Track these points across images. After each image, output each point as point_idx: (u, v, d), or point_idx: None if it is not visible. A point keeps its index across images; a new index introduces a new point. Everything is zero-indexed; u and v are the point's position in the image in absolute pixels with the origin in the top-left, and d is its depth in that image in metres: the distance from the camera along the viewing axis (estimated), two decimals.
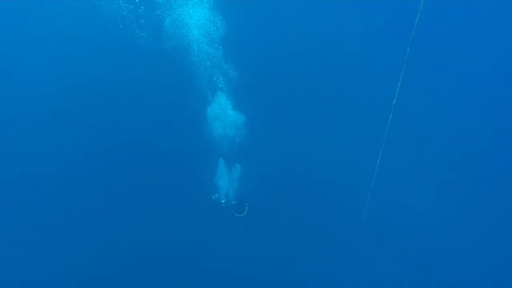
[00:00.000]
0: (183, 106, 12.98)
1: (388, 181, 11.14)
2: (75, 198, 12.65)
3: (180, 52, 12.31)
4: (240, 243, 12.02)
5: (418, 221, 12.67)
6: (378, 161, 8.93)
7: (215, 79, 12.48)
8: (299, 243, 12.28)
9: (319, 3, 13.34)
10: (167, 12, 12.16)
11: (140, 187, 12.86)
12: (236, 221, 11.37)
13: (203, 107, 12.41)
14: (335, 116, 13.35)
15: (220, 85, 12.44)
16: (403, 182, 12.76)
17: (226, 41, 12.37)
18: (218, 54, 12.40)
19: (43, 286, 11.68)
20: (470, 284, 12.05)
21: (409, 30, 6.99)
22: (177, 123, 13.25)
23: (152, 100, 13.42)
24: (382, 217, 12.36)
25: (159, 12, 12.19)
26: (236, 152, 12.34)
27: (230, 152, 12.30)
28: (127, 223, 12.35)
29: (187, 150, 12.87)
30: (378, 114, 9.19)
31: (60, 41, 13.20)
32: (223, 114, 12.38)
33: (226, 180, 11.65)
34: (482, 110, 13.42)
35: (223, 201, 11.37)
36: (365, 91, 13.23)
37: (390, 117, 8.30)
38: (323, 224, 12.49)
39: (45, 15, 13.07)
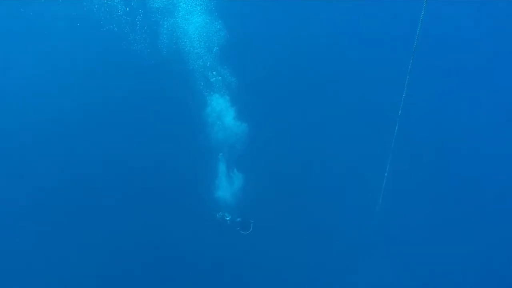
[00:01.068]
0: (180, 112, 12.70)
1: (396, 194, 10.98)
2: (72, 212, 12.24)
3: (177, 56, 12.11)
4: (247, 260, 11.71)
5: (426, 230, 12.36)
6: (386, 174, 8.69)
7: (212, 80, 12.24)
8: (306, 254, 11.96)
9: (323, 5, 13.19)
10: (164, 17, 12.03)
11: (139, 208, 12.38)
12: (243, 239, 11.17)
13: (200, 113, 12.18)
14: (340, 121, 13.05)
15: (219, 91, 12.25)
16: (411, 195, 12.45)
17: (225, 45, 12.11)
18: (216, 58, 12.19)
19: None
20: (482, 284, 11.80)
21: (413, 32, 6.72)
22: (173, 130, 12.86)
23: (148, 107, 13.15)
24: (392, 228, 12.05)
25: (156, 16, 12.07)
26: (236, 161, 12.12)
27: (231, 160, 12.09)
28: (129, 247, 11.97)
29: (185, 161, 12.48)
30: (384, 120, 8.95)
31: (54, 42, 13.03)
32: (222, 121, 12.19)
33: (228, 194, 11.52)
34: (490, 114, 13.15)
35: (228, 219, 11.19)
36: (370, 95, 12.95)
37: (397, 127, 8.05)
38: (332, 235, 12.18)
39: (38, 17, 12.93)
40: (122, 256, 11.79)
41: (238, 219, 11.13)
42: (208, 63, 12.20)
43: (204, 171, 11.91)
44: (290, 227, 12.05)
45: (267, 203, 12.03)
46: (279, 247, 11.70)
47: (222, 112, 12.21)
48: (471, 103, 13.26)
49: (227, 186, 11.77)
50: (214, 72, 12.24)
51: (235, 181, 11.79)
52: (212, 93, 12.30)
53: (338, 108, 13.15)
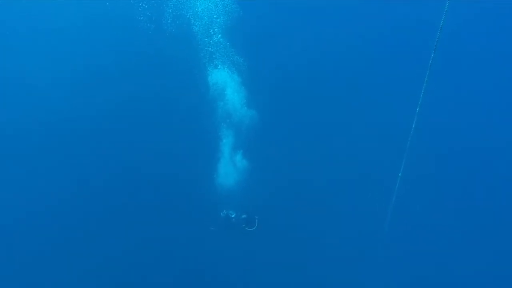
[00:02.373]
0: (184, 101, 12.52)
1: (410, 193, 10.65)
2: (74, 211, 12.29)
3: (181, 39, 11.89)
4: (254, 257, 11.66)
5: (441, 234, 12.04)
6: (400, 174, 8.47)
7: (219, 67, 11.98)
8: (313, 252, 11.81)
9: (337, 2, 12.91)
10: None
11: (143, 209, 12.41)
12: (249, 235, 11.03)
13: (206, 103, 11.96)
14: (353, 123, 12.77)
15: (226, 79, 11.99)
16: (426, 195, 12.16)
17: (234, 30, 11.84)
18: (224, 43, 11.90)
19: None
20: None
21: (434, 33, 6.65)
22: (176, 124, 12.78)
23: (152, 104, 12.97)
24: (404, 231, 11.78)
25: None
26: (241, 155, 11.99)
27: (235, 156, 11.98)
28: (135, 246, 11.97)
29: (187, 159, 12.39)
30: (400, 121, 8.74)
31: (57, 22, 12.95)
32: (230, 112, 12.02)
33: (232, 191, 11.37)
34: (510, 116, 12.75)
35: (232, 216, 11.06)
36: (386, 96, 12.64)
37: (413, 125, 7.88)
38: (342, 237, 11.98)
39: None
40: (128, 258, 11.81)
41: (243, 216, 10.99)
42: (216, 43, 11.92)
43: (208, 168, 11.84)
44: (297, 224, 11.93)
45: (273, 199, 11.96)
46: (285, 244, 11.63)
47: (230, 102, 12.03)
48: (491, 106, 12.84)
49: (231, 183, 11.65)
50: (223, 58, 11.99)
51: (239, 177, 11.68)
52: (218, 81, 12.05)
53: (353, 106, 12.87)
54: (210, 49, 11.94)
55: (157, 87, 12.78)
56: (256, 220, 10.95)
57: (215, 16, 11.70)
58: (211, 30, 11.82)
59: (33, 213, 12.09)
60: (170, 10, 11.93)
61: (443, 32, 6.66)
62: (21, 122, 12.69)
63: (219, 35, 11.84)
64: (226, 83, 12.05)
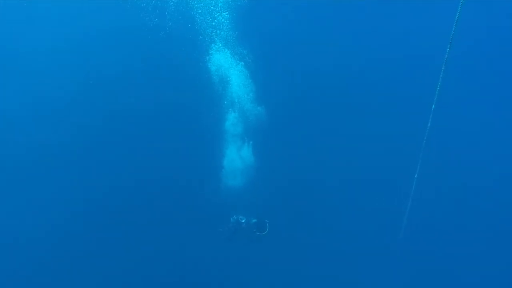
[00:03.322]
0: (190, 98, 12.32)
1: (427, 195, 10.34)
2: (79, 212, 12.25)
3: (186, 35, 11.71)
4: (266, 263, 11.45)
5: (458, 239, 11.63)
6: (416, 176, 8.15)
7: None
8: (327, 261, 11.51)
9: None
10: None
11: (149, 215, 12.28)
12: (260, 240, 10.75)
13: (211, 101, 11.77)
14: (366, 122, 12.49)
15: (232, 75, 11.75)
16: (444, 197, 11.80)
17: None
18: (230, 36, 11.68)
19: None
20: None
21: (449, 29, 6.42)
22: (180, 123, 12.67)
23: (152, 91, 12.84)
24: (420, 235, 11.41)
25: None
26: (250, 159, 11.77)
27: (243, 159, 11.75)
28: (141, 256, 11.82)
29: (194, 163, 12.21)
30: (415, 123, 8.48)
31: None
32: (238, 110, 11.81)
33: (241, 195, 11.15)
34: None
35: (243, 221, 10.81)
36: (400, 93, 12.46)
37: (429, 124, 7.59)
38: (356, 242, 11.69)
39: None
40: (138, 265, 11.69)
41: (254, 220, 10.73)
42: (224, 37, 11.71)
43: (214, 169, 11.69)
44: (308, 229, 11.69)
45: (284, 202, 11.80)
46: (297, 249, 11.45)
47: (234, 100, 11.83)
48: (506, 111, 12.59)
49: (239, 185, 11.44)
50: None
51: (247, 179, 11.48)
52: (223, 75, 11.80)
53: (366, 103, 12.65)
54: (215, 43, 11.72)
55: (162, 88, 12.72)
56: (267, 224, 10.66)
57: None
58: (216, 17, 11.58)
59: (36, 215, 12.06)
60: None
61: (458, 26, 6.43)
62: (20, 122, 12.76)
63: (226, 23, 11.61)
64: (231, 76, 11.87)
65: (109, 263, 11.51)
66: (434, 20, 11.02)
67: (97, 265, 11.52)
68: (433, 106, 7.17)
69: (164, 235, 11.85)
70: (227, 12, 11.53)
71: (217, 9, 11.51)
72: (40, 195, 12.18)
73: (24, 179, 12.38)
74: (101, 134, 12.72)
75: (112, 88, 12.85)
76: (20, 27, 12.93)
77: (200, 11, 11.57)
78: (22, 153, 12.46)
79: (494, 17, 12.19)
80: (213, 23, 11.63)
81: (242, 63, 11.79)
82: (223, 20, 11.58)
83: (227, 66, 11.79)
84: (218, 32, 11.68)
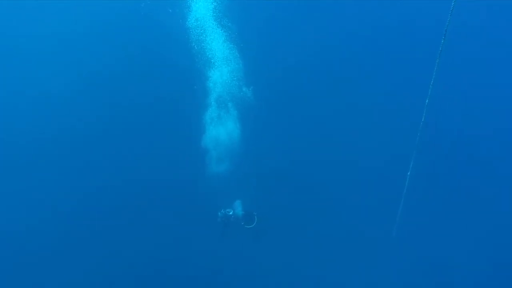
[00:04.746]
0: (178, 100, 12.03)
1: (420, 192, 10.09)
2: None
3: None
4: (255, 257, 11.20)
5: (451, 238, 11.46)
6: (409, 173, 7.89)
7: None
8: (317, 256, 11.30)
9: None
10: None
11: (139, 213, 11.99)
12: (248, 233, 10.52)
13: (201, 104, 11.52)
14: (358, 117, 12.23)
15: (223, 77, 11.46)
16: (437, 194, 11.59)
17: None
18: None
19: None
20: None
21: (443, 20, 6.11)
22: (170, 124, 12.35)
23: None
24: (414, 235, 11.25)
25: None
26: (238, 156, 11.50)
27: (230, 156, 11.47)
28: (133, 250, 11.56)
29: (178, 158, 11.96)
30: (408, 118, 8.21)
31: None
32: (221, 113, 11.57)
33: (228, 187, 10.85)
34: None
35: (230, 213, 10.51)
36: (393, 87, 12.20)
37: (422, 119, 7.33)
38: (346, 238, 11.49)
39: None
40: (126, 261, 11.44)
41: (241, 213, 10.46)
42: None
43: (200, 168, 11.40)
44: (298, 223, 11.54)
45: (273, 196, 11.62)
46: (287, 244, 11.26)
47: (223, 100, 11.54)
48: (505, 98, 12.31)
49: (225, 176, 11.17)
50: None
51: (233, 167, 11.24)
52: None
53: (358, 99, 12.32)
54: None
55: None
56: (255, 217, 10.37)
57: None
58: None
59: (32, 214, 11.81)
60: None
61: (453, 17, 6.12)
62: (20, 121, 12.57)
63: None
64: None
65: (97, 264, 11.36)
66: (428, 10, 10.77)
67: (83, 265, 11.30)
68: (426, 101, 6.91)
69: (150, 232, 11.66)
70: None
71: None
72: (34, 194, 12.05)
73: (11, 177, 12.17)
74: (81, 123, 12.50)
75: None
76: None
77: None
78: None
79: (491, 7, 11.95)
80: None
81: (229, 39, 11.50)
82: None
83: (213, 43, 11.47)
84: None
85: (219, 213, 10.52)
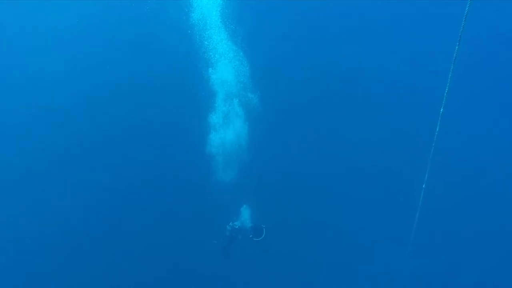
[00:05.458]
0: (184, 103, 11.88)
1: (435, 207, 9.69)
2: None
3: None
4: (263, 271, 10.99)
5: (468, 254, 11.00)
6: (424, 186, 7.53)
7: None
8: (330, 274, 10.94)
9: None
10: None
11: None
12: (257, 246, 10.16)
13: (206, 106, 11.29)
14: (371, 129, 11.92)
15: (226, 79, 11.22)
16: (452, 210, 11.15)
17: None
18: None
19: None
20: None
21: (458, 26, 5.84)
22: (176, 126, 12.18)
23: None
24: (429, 251, 10.85)
25: None
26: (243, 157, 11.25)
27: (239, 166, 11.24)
28: (138, 262, 11.34)
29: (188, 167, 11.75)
30: (422, 128, 7.90)
31: None
32: (228, 119, 11.32)
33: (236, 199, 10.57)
34: None
35: (237, 227, 10.21)
36: (405, 98, 11.93)
37: (437, 129, 7.00)
38: (360, 255, 11.07)
39: None
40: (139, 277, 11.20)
41: (250, 225, 10.12)
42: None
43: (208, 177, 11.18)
44: (308, 236, 11.26)
45: (282, 207, 11.35)
46: (296, 259, 10.93)
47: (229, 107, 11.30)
48: None
49: (232, 185, 10.96)
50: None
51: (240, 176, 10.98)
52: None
53: (370, 107, 12.10)
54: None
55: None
56: (264, 229, 10.00)
57: None
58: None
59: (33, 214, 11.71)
60: None
61: (467, 23, 5.89)
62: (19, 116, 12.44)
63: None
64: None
65: (99, 271, 11.16)
66: (442, 16, 10.52)
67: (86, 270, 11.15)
68: (441, 110, 6.61)
69: (155, 244, 11.47)
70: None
71: None
72: (45, 197, 11.93)
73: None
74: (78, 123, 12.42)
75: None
76: None
77: None
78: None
79: (505, 12, 11.63)
80: None
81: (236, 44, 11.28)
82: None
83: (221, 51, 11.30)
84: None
85: (227, 226, 10.23)
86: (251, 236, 10.01)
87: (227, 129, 11.32)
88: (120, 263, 11.19)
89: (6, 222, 11.52)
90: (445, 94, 6.55)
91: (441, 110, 6.70)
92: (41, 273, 11.01)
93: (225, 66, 11.33)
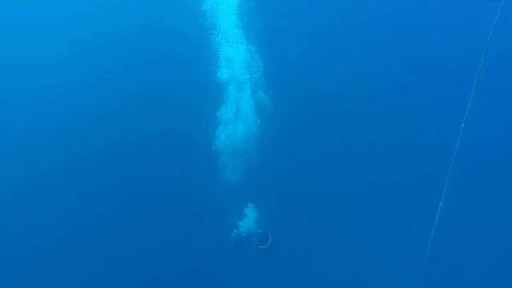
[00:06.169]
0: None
1: (452, 224, 9.37)
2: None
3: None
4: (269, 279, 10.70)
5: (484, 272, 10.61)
6: (440, 204, 7.24)
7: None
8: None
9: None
10: None
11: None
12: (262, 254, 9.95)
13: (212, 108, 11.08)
14: (388, 143, 11.62)
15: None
16: (469, 226, 10.77)
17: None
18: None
19: None
20: None
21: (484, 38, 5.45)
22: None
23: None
24: (444, 267, 10.52)
25: None
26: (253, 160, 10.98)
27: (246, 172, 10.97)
28: (138, 262, 11.27)
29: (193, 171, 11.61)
30: (442, 144, 7.59)
31: None
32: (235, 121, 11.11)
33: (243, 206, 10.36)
34: None
35: (243, 235, 10.00)
36: (424, 112, 11.53)
37: (457, 145, 6.71)
38: (373, 270, 10.80)
39: None
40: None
41: (258, 231, 9.91)
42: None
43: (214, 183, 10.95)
44: (317, 248, 10.95)
45: (289, 212, 11.04)
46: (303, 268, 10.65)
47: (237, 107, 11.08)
48: None
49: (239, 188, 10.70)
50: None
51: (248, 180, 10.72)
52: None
53: (388, 126, 11.74)
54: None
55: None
56: (270, 237, 9.77)
57: None
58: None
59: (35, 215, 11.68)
60: None
61: (495, 33, 5.59)
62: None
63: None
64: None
65: (102, 277, 11.09)
66: (468, 27, 10.14)
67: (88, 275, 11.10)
68: (462, 125, 6.32)
69: (159, 249, 11.36)
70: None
71: None
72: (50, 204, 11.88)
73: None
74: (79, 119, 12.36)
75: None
76: None
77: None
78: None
79: None
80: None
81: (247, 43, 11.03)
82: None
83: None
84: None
85: (231, 233, 10.05)
86: (256, 243, 9.82)
87: (236, 128, 11.12)
88: (122, 263, 11.18)
89: (17, 224, 11.60)
90: (467, 108, 6.25)
91: (462, 125, 6.41)
92: (43, 274, 11.06)
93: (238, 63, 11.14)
